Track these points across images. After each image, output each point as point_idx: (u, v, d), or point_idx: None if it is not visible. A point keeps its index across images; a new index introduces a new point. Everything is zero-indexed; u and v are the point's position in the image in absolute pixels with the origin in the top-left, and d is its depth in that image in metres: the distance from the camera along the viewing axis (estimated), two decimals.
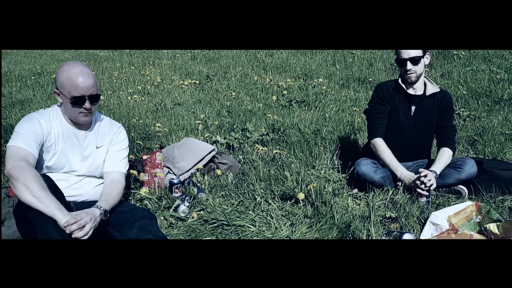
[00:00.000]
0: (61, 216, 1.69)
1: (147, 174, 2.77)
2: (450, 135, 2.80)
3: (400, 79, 2.85)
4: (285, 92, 5.40)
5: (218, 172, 2.90)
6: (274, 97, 5.19)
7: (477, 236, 2.00)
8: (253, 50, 9.11)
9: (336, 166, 3.15)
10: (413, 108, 2.82)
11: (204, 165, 2.98)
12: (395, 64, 2.81)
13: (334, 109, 4.65)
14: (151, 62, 7.99)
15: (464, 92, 4.77)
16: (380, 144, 2.75)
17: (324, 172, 3.08)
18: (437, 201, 2.61)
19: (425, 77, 2.85)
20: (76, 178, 2.11)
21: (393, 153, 2.79)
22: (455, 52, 6.53)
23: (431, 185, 2.52)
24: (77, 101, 1.97)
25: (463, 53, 6.52)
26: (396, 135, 2.84)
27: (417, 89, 2.82)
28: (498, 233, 2.01)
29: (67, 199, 1.95)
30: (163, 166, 2.87)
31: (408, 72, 2.72)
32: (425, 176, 2.50)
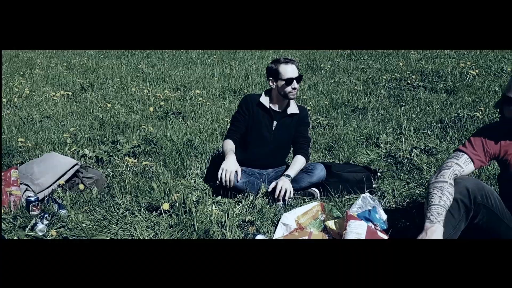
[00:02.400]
0: None
1: (1, 193, 2.62)
2: (303, 145, 3.09)
3: (263, 94, 3.08)
4: (162, 103, 5.43)
5: (81, 187, 2.85)
6: (151, 109, 5.19)
7: (316, 233, 2.25)
8: (134, 62, 8.98)
9: (205, 175, 3.28)
10: (275, 123, 3.06)
11: (67, 181, 2.90)
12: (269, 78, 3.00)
13: (209, 119, 4.80)
14: (21, 73, 7.45)
15: (326, 102, 5.24)
16: (226, 142, 3.01)
17: (194, 182, 3.18)
18: (292, 203, 2.86)
19: None
20: None
21: (256, 162, 3.05)
22: (321, 65, 7.13)
23: (285, 192, 2.77)
24: None
25: (328, 66, 7.15)
26: (259, 147, 3.07)
27: (281, 106, 3.07)
28: (335, 228, 2.28)
29: None
30: (20, 184, 2.74)
31: (294, 91, 2.94)
32: (278, 189, 2.77)
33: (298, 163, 2.99)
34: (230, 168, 2.80)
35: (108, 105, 5.32)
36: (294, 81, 2.91)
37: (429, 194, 1.95)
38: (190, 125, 4.58)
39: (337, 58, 7.94)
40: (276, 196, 2.78)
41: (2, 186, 2.63)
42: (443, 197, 1.91)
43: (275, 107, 3.07)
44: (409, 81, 5.84)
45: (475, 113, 4.25)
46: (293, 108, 3.08)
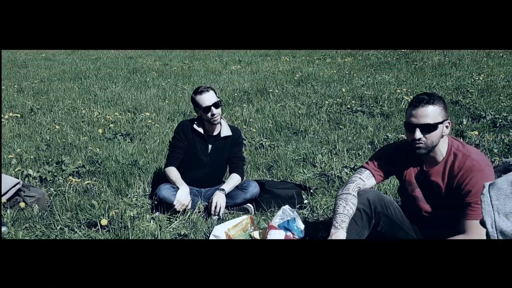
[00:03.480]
0: None
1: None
2: (238, 164, 3.33)
3: (197, 120, 3.29)
4: (112, 125, 5.55)
5: (22, 205, 2.95)
6: (100, 130, 5.30)
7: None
8: (87, 84, 9.02)
9: (147, 193, 3.44)
10: (210, 146, 3.29)
11: (9, 199, 2.99)
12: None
13: (157, 141, 4.97)
14: None
15: (270, 125, 5.53)
16: (171, 171, 3.18)
17: (136, 200, 3.34)
18: (227, 218, 3.07)
19: (222, 118, 3.34)
20: None
21: (194, 183, 3.26)
22: (270, 90, 7.47)
23: (221, 207, 2.99)
24: None
25: (277, 91, 7.50)
26: (196, 170, 3.29)
27: (214, 130, 3.30)
28: (258, 238, 2.50)
29: None
30: None
31: (215, 117, 3.15)
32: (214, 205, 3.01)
33: (233, 180, 3.21)
34: (184, 202, 3.01)
35: (57, 127, 5.38)
36: (212, 108, 3.10)
37: (336, 204, 2.22)
38: (137, 146, 4.73)
39: (286, 83, 8.31)
40: (212, 212, 2.99)
41: None
42: (347, 207, 2.18)
43: (209, 132, 3.29)
44: (349, 106, 6.24)
45: (402, 135, 4.64)
46: (226, 131, 3.32)
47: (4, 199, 2.95)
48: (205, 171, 3.30)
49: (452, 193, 2.10)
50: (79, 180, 3.58)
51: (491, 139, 4.32)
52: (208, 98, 3.11)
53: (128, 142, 4.94)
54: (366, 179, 2.33)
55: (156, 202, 3.09)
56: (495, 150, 3.99)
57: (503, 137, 4.32)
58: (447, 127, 2.15)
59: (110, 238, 2.66)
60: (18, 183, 3.05)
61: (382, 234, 2.30)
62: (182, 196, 3.01)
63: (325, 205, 3.28)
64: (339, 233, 2.09)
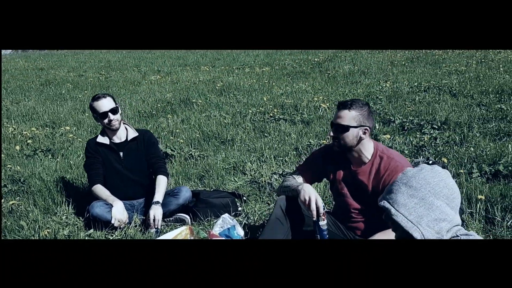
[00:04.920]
0: None
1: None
2: (159, 164, 3.34)
3: (99, 135, 3.30)
4: (30, 141, 5.27)
5: None
6: (18, 147, 5.02)
7: None
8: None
9: (75, 211, 3.35)
10: (121, 153, 3.30)
11: None
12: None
13: (80, 156, 4.81)
14: None
15: (198, 135, 5.60)
16: (98, 188, 3.16)
17: (66, 218, 3.24)
18: (164, 230, 3.10)
19: (124, 123, 3.36)
20: None
21: (121, 195, 3.21)
22: (194, 100, 7.53)
23: (158, 220, 3.01)
24: None
25: (200, 101, 7.58)
26: (116, 180, 3.27)
27: (120, 137, 3.30)
28: None
29: None
30: None
31: (113, 122, 3.18)
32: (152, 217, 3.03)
33: (161, 184, 3.22)
34: (121, 217, 2.99)
35: None
36: (109, 114, 3.14)
37: (283, 184, 2.57)
38: (60, 162, 4.55)
39: (209, 93, 8.42)
40: (151, 224, 3.01)
41: None
42: (292, 180, 2.48)
43: (115, 140, 3.29)
44: (271, 114, 6.50)
45: (323, 141, 4.96)
46: (131, 133, 3.33)
47: None
48: (125, 178, 3.28)
49: (378, 192, 2.34)
50: (2, 200, 3.39)
51: (401, 141, 4.77)
52: (104, 104, 3.13)
53: (50, 158, 4.74)
54: (297, 178, 2.56)
55: (88, 220, 3.04)
56: (406, 152, 4.43)
57: (411, 139, 4.79)
58: (364, 133, 2.39)
59: None
60: None
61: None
62: (118, 211, 2.99)
63: (259, 210, 3.43)
64: (303, 185, 2.40)
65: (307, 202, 2.33)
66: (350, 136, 2.37)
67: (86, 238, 2.89)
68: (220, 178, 4.20)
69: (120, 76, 11.51)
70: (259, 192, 3.88)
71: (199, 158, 4.83)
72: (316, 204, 2.31)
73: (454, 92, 7.08)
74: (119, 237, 2.92)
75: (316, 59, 11.81)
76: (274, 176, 4.13)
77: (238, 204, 3.53)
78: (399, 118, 5.62)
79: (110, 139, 3.27)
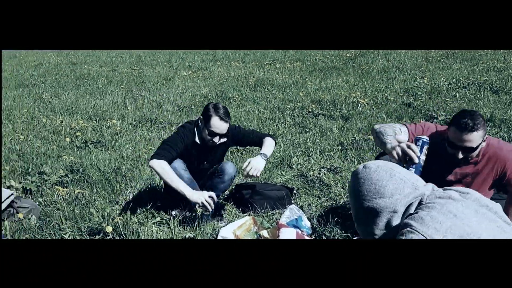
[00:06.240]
0: None
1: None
2: (261, 134, 3.34)
3: (196, 131, 3.16)
4: (79, 133, 5.44)
5: (20, 215, 2.89)
6: (68, 139, 5.19)
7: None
8: (37, 92, 8.67)
9: (139, 199, 3.47)
10: (205, 153, 3.24)
11: (2, 211, 2.92)
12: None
13: (130, 148, 4.95)
14: None
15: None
16: (166, 166, 2.92)
17: (128, 206, 3.36)
18: (231, 220, 3.19)
19: None
20: None
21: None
22: (230, 96, 7.63)
23: (257, 170, 2.99)
24: None
25: (237, 96, 7.66)
26: (193, 174, 3.17)
27: None
28: (268, 237, 2.66)
29: None
30: None
31: (212, 143, 3.05)
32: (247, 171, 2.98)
33: (269, 143, 3.18)
34: (204, 195, 2.82)
35: (21, 136, 5.20)
36: (217, 137, 3.01)
37: (380, 130, 2.46)
38: (112, 154, 4.69)
39: (244, 89, 8.50)
40: (245, 173, 2.99)
41: None
42: (390, 130, 2.43)
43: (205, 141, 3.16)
44: (310, 110, 6.54)
45: (369, 136, 4.98)
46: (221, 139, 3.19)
47: None
48: (202, 174, 3.32)
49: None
50: (67, 189, 3.53)
51: None
52: (220, 127, 2.99)
53: (101, 150, 4.89)
54: (403, 132, 2.52)
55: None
56: None
57: None
58: (484, 141, 2.41)
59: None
60: (11, 194, 2.98)
61: None
62: (197, 192, 2.85)
63: (313, 204, 3.49)
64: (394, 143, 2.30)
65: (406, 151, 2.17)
66: (478, 150, 2.39)
67: (153, 227, 2.98)
68: (268, 172, 4.28)
69: (153, 71, 11.68)
70: (308, 186, 3.94)
71: (244, 151, 4.91)
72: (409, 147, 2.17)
73: (495, 89, 7.00)
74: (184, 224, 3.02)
75: (348, 55, 11.76)
76: (323, 170, 4.19)
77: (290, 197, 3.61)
78: (442, 115, 5.60)
79: (201, 139, 3.14)
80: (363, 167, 1.53)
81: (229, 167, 3.25)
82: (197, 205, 2.85)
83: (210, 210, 2.83)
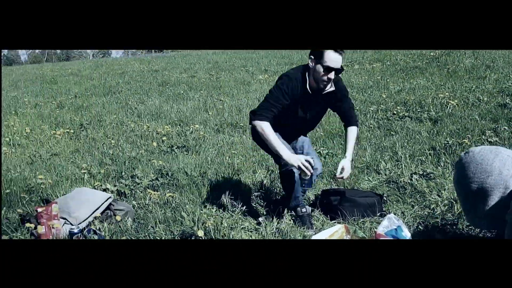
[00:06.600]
0: None
1: (44, 226, 2.76)
2: (352, 116, 3.29)
3: (305, 75, 2.92)
4: (164, 138, 5.62)
5: (118, 218, 3.00)
6: (155, 143, 5.38)
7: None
8: (123, 99, 9.15)
9: (226, 204, 3.48)
10: (310, 102, 3.02)
11: (101, 213, 3.05)
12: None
13: (213, 152, 5.02)
14: (13, 112, 7.52)
15: (321, 134, 5.56)
16: (269, 127, 2.86)
17: (215, 211, 3.38)
18: (315, 228, 3.09)
19: None
20: None
21: (286, 138, 3.07)
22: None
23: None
24: None
25: None
26: (287, 125, 3.07)
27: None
28: None
29: None
30: (59, 217, 2.88)
31: (327, 82, 2.87)
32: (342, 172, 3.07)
33: (353, 137, 3.21)
34: (301, 159, 2.78)
35: (112, 141, 5.47)
36: (333, 72, 2.83)
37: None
38: (197, 158, 4.78)
39: None
40: (338, 175, 3.10)
41: (45, 220, 2.77)
42: None
43: (313, 87, 2.96)
44: (394, 112, 6.25)
45: (464, 140, 4.64)
46: (329, 86, 3.00)
47: (98, 213, 3.01)
48: (297, 127, 3.19)
49: None
50: (158, 193, 3.63)
51: None
52: (336, 60, 2.81)
53: (186, 154, 5.00)
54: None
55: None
56: None
57: None
58: None
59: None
60: (109, 197, 3.11)
61: None
62: (294, 155, 2.83)
63: (406, 212, 3.29)
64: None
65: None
66: None
67: (232, 232, 2.95)
68: (353, 177, 4.11)
69: (230, 76, 11.88)
70: (399, 193, 3.73)
71: (327, 156, 4.78)
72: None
73: None
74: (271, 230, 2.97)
75: (431, 54, 11.17)
76: (414, 176, 3.94)
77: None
78: None
79: (310, 85, 2.93)
80: (465, 153, 1.56)
81: (317, 163, 3.17)
82: (294, 170, 2.89)
83: (309, 174, 2.83)
